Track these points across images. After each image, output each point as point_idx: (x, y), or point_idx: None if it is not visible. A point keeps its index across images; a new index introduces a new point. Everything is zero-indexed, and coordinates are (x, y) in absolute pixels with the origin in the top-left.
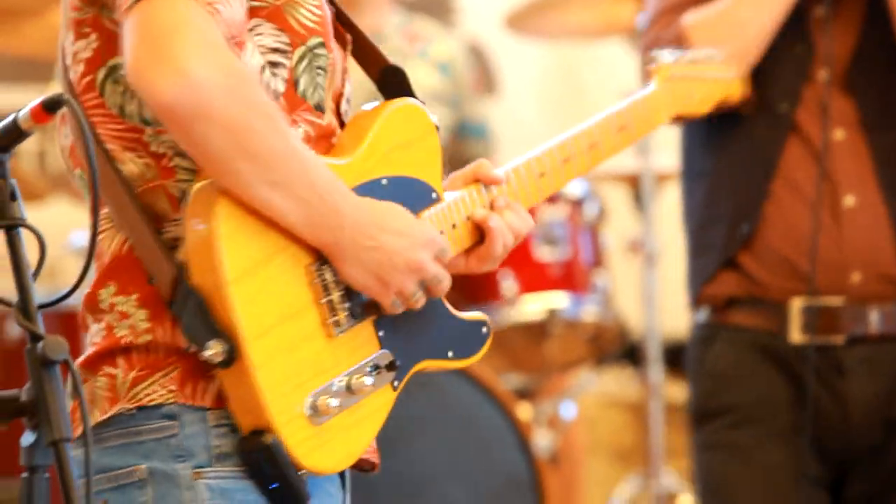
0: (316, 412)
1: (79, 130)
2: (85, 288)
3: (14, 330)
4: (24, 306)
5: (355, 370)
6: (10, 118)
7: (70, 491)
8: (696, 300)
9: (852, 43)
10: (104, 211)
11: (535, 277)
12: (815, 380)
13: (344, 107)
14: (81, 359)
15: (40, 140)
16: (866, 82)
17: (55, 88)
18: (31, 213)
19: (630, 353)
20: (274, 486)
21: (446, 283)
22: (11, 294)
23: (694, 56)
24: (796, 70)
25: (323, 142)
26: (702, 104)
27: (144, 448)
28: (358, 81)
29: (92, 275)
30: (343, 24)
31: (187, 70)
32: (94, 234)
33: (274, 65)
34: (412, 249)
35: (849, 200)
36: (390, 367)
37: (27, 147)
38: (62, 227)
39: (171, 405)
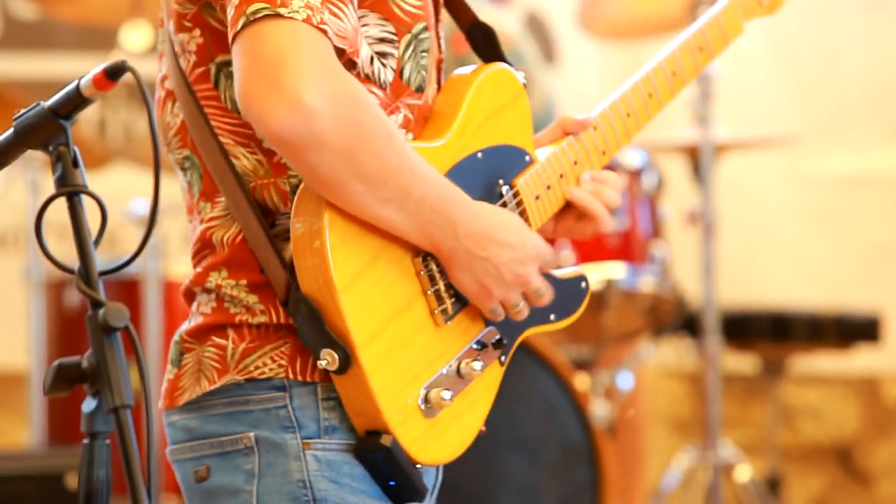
0: (429, 405)
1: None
2: (190, 267)
3: (74, 297)
4: (85, 273)
5: (464, 353)
6: (73, 85)
7: (130, 456)
8: None
9: None
10: (220, 202)
11: (592, 248)
12: None
13: (444, 66)
14: (189, 326)
15: (101, 108)
16: None
17: (117, 56)
18: (92, 180)
19: (688, 324)
20: (392, 483)
21: (548, 297)
22: (72, 261)
23: None
24: None
25: (421, 120)
26: (773, 5)
27: (252, 417)
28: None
29: (154, 243)
30: None
31: (298, 101)
32: (156, 203)
33: (382, 55)
34: (521, 263)
35: None
36: (497, 344)
37: (87, 115)
38: (122, 194)
39: (281, 378)
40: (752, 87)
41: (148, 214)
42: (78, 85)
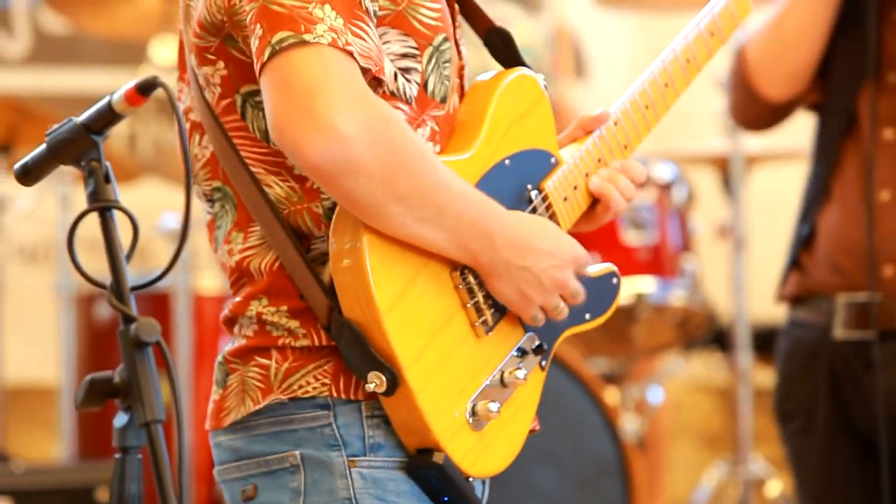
0: (477, 417)
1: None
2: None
3: (104, 311)
4: (117, 288)
5: (506, 363)
6: (105, 101)
7: (162, 472)
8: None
9: None
10: (254, 231)
11: (622, 261)
12: (846, 376)
13: (466, 74)
14: (231, 347)
15: (132, 122)
16: None
17: (147, 71)
18: (122, 194)
19: (718, 338)
20: (445, 498)
21: (582, 297)
22: (103, 275)
23: None
24: (861, 69)
25: (446, 129)
26: None
27: (296, 436)
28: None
29: (184, 257)
30: None
31: (333, 129)
32: (188, 217)
33: (406, 70)
34: (559, 269)
35: (884, 195)
36: (537, 350)
37: (118, 129)
38: (153, 208)
39: (325, 397)
40: None
41: (180, 229)
42: (110, 101)
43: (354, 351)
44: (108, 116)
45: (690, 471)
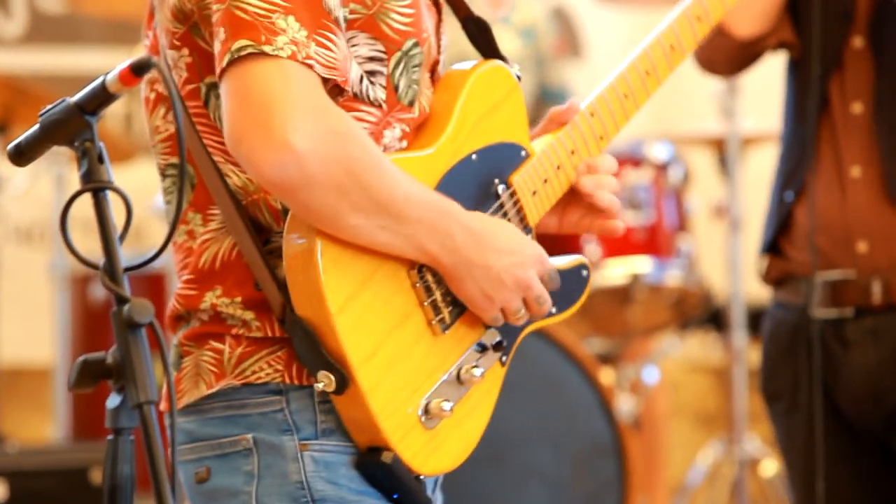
0: (429, 416)
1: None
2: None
3: (99, 292)
4: (110, 269)
5: (464, 360)
6: (99, 81)
7: (154, 453)
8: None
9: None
10: (213, 216)
11: (618, 242)
12: (824, 354)
13: (440, 68)
14: (186, 330)
15: (128, 102)
16: (887, 56)
17: (143, 50)
18: (117, 174)
19: (714, 318)
20: (395, 496)
21: (547, 306)
22: (98, 256)
23: None
24: (835, 33)
25: (415, 129)
26: None
27: (249, 420)
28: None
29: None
30: None
31: (286, 145)
32: (181, 198)
33: (372, 73)
34: (521, 267)
35: (854, 172)
36: (497, 346)
37: (114, 109)
38: (148, 188)
39: (277, 383)
40: (778, 78)
41: (173, 210)
42: (104, 81)
43: (306, 348)
44: (102, 97)
45: (686, 450)
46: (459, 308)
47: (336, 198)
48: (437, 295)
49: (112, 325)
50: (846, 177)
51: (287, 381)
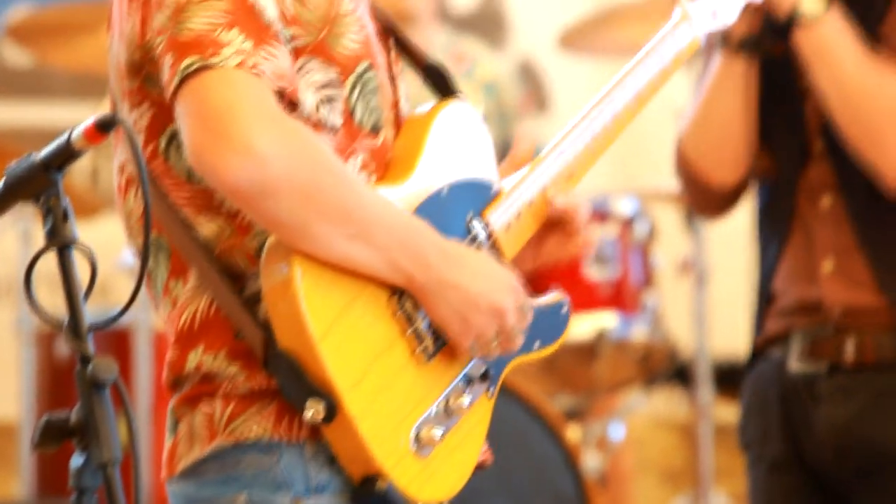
0: (420, 444)
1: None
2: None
3: (65, 349)
4: (74, 327)
5: (451, 390)
6: (64, 137)
7: None
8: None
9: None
10: (189, 282)
11: (584, 297)
12: (796, 409)
13: (402, 109)
14: (179, 395)
15: (93, 157)
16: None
17: (109, 106)
18: (83, 229)
19: (680, 374)
20: None
21: (519, 341)
22: (64, 313)
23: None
24: (798, 138)
25: (381, 162)
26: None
27: (243, 480)
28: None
29: (145, 294)
30: (383, 30)
31: (248, 150)
32: (146, 254)
33: (329, 100)
34: (497, 293)
35: (826, 266)
36: (484, 377)
37: (80, 164)
38: (114, 243)
39: (268, 439)
40: None
41: (139, 266)
42: (69, 138)
43: (291, 381)
44: (67, 153)
45: None
46: (442, 338)
47: (301, 202)
48: (419, 324)
49: (76, 384)
50: (818, 271)
51: (278, 437)
